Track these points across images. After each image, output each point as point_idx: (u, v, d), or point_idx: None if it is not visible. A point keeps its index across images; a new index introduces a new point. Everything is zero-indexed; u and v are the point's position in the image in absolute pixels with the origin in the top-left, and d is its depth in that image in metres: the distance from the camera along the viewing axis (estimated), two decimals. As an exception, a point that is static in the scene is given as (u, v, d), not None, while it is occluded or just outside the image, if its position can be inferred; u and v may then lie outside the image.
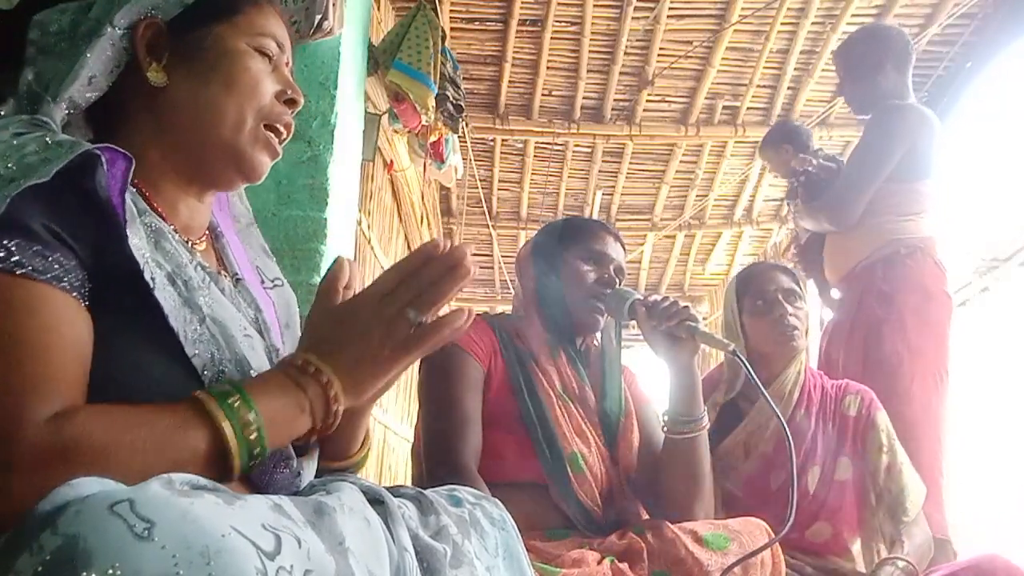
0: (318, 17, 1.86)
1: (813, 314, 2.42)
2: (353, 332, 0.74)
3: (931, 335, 2.40)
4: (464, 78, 3.50)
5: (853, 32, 2.83)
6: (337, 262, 0.83)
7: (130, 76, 0.83)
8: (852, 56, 2.67)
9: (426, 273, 0.74)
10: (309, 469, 0.84)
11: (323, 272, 2.03)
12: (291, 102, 0.90)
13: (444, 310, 0.77)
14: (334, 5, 1.92)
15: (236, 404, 0.67)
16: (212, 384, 0.73)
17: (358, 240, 3.24)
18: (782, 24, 4.14)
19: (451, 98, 3.11)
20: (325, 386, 0.72)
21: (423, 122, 2.98)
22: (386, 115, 3.11)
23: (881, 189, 2.50)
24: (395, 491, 0.78)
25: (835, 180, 2.64)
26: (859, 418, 1.83)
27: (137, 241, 0.72)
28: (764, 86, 4.63)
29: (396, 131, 3.49)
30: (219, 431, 0.66)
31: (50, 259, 0.67)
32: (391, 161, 3.85)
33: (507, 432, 1.47)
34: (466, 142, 4.58)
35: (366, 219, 3.52)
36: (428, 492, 0.81)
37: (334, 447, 0.91)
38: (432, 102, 2.85)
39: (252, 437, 0.67)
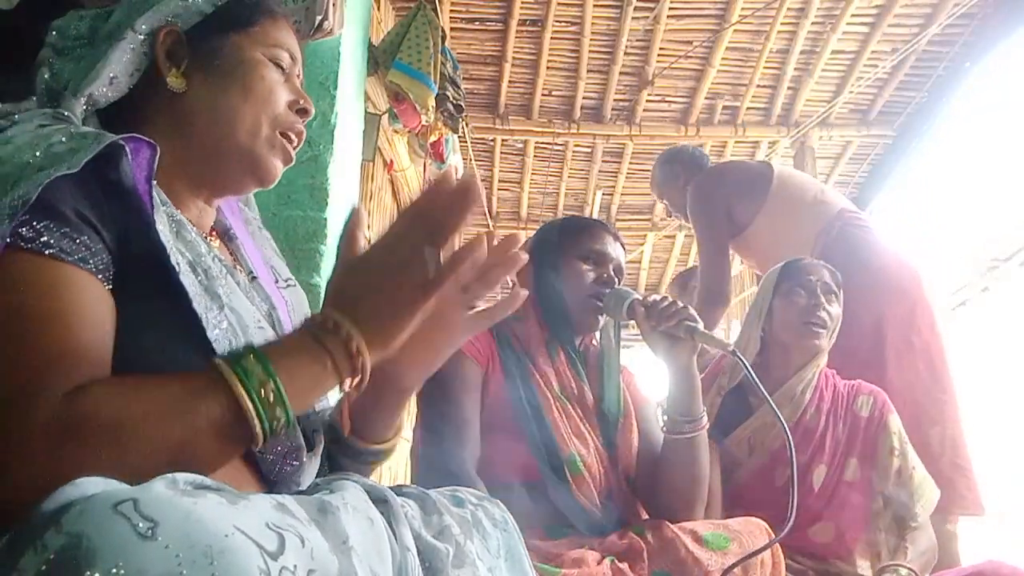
0: (318, 17, 1.86)
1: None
2: (369, 281, 0.73)
3: (864, 309, 2.20)
4: (464, 78, 3.51)
5: (653, 166, 3.08)
6: (354, 212, 0.83)
7: (148, 80, 0.86)
8: (662, 182, 2.93)
9: (435, 208, 0.73)
10: (311, 466, 0.85)
11: (323, 272, 2.04)
12: (303, 111, 0.93)
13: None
14: (334, 5, 1.92)
15: (248, 363, 0.66)
16: None
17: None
18: (782, 24, 4.14)
19: (451, 98, 3.11)
20: (346, 340, 0.70)
21: (423, 122, 2.98)
22: (386, 115, 3.11)
23: (755, 233, 2.57)
24: (398, 491, 0.78)
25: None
26: (871, 419, 1.81)
27: (161, 228, 0.74)
28: (764, 86, 4.63)
29: (396, 131, 3.49)
30: (233, 392, 0.65)
31: (77, 241, 0.69)
32: (391, 161, 3.85)
33: (505, 433, 1.47)
34: (466, 142, 4.58)
35: (366, 219, 3.52)
36: (431, 492, 0.81)
37: (375, 427, 0.91)
38: (432, 102, 2.85)
39: (270, 397, 0.66)
